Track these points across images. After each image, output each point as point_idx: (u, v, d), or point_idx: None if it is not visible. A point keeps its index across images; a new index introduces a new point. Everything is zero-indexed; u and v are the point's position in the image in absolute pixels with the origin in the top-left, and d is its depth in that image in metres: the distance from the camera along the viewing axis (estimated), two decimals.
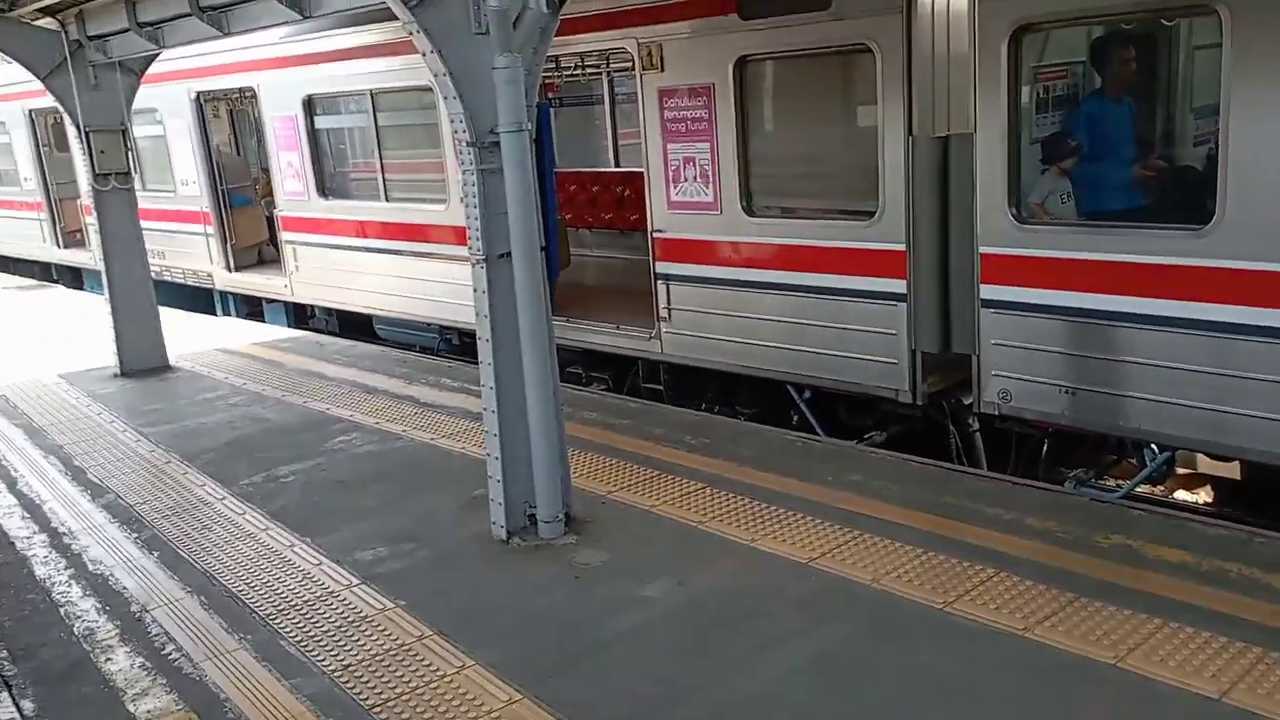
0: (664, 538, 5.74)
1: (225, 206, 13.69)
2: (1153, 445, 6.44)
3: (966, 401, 7.03)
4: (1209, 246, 5.60)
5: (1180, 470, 7.12)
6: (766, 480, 6.42)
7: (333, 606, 5.18)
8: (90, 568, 5.88)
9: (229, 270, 13.87)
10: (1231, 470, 6.70)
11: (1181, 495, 7.42)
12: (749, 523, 5.82)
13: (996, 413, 6.70)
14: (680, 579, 5.22)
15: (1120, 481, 7.00)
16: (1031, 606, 4.66)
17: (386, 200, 11.08)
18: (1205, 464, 6.88)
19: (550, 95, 12.81)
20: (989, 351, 6.60)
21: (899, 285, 7.00)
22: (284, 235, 12.60)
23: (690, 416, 8.03)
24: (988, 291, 6.52)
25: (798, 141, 7.98)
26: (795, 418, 8.13)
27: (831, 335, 7.45)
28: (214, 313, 14.38)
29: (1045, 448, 7.03)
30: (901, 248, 6.93)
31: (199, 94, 13.18)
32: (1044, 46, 6.41)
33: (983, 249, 6.49)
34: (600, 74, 12.65)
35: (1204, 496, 7.35)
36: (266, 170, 13.14)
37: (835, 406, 7.99)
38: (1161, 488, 7.38)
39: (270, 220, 13.42)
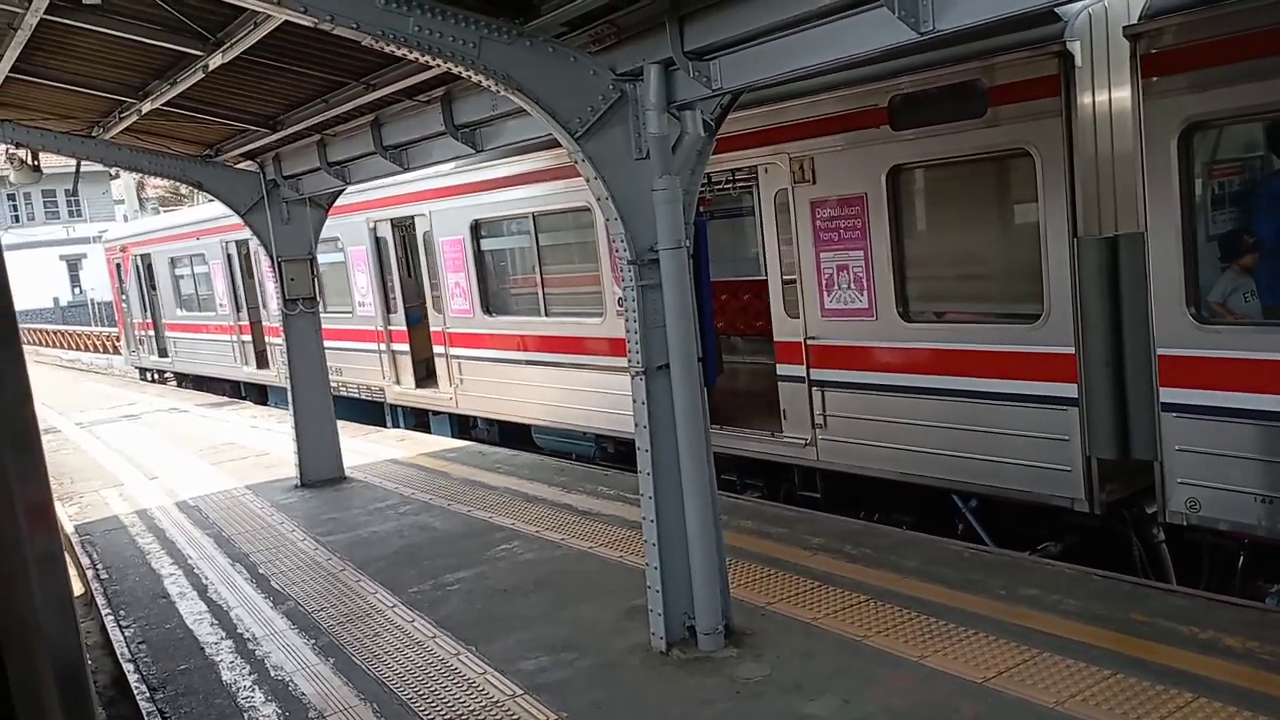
0: (827, 652, 5.58)
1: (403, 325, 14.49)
2: None
3: (1150, 511, 6.63)
4: None
5: None
6: (934, 593, 6.19)
7: (497, 717, 5.23)
8: (272, 673, 6.15)
9: (399, 384, 14.61)
10: None
11: None
12: (917, 638, 5.60)
13: (1185, 523, 6.28)
14: (846, 697, 5.04)
15: None
16: None
17: (546, 315, 11.53)
18: None
19: (702, 209, 13.14)
20: (1173, 458, 6.24)
21: (1070, 389, 6.75)
22: (450, 350, 13.23)
23: (849, 525, 7.85)
24: (1168, 395, 6.21)
25: (954, 246, 7.90)
26: (960, 527, 7.83)
27: (997, 441, 7.20)
28: (384, 425, 15.11)
29: (1242, 560, 6.52)
30: (1071, 350, 6.70)
31: (375, 222, 14.17)
32: (1217, 143, 6.19)
33: (1160, 351, 6.21)
34: (751, 187, 12.90)
35: None
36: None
37: (1003, 515, 7.66)
38: None
39: None
